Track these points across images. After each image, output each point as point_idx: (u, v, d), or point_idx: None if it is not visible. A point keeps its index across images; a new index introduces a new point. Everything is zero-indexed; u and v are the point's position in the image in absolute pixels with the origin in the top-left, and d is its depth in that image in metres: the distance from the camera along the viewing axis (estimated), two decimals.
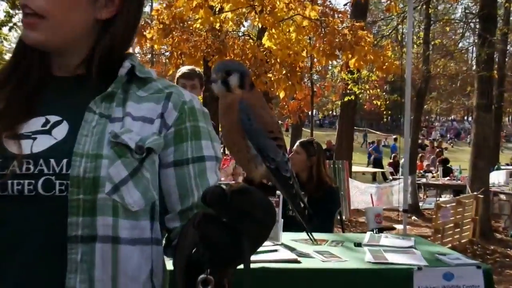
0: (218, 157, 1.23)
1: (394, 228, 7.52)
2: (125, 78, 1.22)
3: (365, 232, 4.05)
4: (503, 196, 12.81)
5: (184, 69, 4.43)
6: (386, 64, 9.01)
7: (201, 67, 9.21)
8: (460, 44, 21.22)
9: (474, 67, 15.56)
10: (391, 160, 22.11)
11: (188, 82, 4.26)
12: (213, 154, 1.22)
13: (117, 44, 1.22)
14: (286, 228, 3.58)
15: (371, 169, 22.96)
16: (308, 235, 1.25)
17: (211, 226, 0.78)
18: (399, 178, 13.46)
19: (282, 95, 9.53)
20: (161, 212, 1.17)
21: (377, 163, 23.79)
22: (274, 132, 1.01)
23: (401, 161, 18.52)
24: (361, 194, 11.93)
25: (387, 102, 17.48)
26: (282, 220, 3.53)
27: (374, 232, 3.92)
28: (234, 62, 1.08)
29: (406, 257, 3.14)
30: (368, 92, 15.83)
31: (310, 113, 15.45)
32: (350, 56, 8.60)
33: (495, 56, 11.99)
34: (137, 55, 17.69)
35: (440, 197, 14.47)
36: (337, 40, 8.61)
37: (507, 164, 20.13)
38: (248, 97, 1.01)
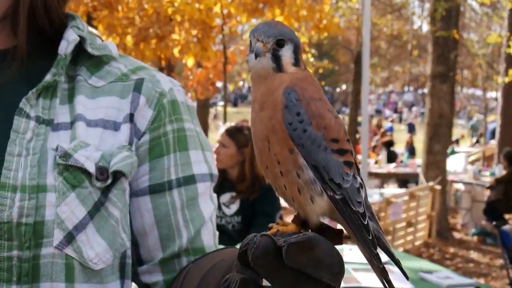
0: (213, 174, 1.05)
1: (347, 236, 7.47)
2: (69, 57, 1.02)
3: None
4: (460, 186, 13.12)
5: None
6: (324, 22, 8.88)
7: None
8: None
9: (416, 26, 15.75)
10: None
11: None
12: (206, 171, 1.03)
13: None
14: None
15: None
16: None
17: None
18: None
19: (190, 62, 9.27)
20: (132, 262, 1.02)
21: None
22: (340, 141, 0.80)
23: None
24: None
25: (320, 70, 17.61)
26: None
27: None
28: (285, 26, 0.83)
29: None
30: None
31: (222, 85, 15.10)
32: (279, 12, 8.51)
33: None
34: None
35: (383, 188, 14.68)
36: None
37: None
38: (299, 82, 0.77)
